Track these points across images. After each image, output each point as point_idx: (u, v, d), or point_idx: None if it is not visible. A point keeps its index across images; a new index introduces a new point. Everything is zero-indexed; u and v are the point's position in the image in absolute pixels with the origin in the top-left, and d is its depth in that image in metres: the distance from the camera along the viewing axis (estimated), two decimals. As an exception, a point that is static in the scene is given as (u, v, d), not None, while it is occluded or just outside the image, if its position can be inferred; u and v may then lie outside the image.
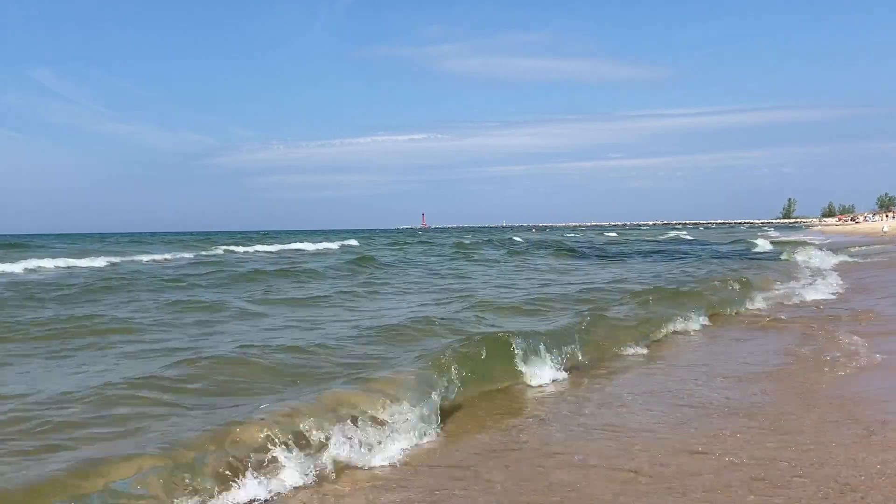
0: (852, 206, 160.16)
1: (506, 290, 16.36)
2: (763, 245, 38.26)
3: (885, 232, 53.58)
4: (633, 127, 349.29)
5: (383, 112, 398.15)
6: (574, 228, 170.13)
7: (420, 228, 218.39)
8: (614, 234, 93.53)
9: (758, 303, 12.95)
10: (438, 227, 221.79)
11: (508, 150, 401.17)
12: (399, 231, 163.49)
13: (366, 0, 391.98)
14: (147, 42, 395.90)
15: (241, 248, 42.58)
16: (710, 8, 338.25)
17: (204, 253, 37.48)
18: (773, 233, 79.56)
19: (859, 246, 33.98)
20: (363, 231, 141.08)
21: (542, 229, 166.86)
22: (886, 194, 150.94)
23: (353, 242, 54.00)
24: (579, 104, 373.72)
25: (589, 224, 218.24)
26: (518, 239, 65.39)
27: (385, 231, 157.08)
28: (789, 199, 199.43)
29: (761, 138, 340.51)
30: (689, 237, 70.89)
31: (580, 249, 41.83)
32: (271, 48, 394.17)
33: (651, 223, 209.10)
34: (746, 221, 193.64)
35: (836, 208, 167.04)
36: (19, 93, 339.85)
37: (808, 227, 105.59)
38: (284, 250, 43.96)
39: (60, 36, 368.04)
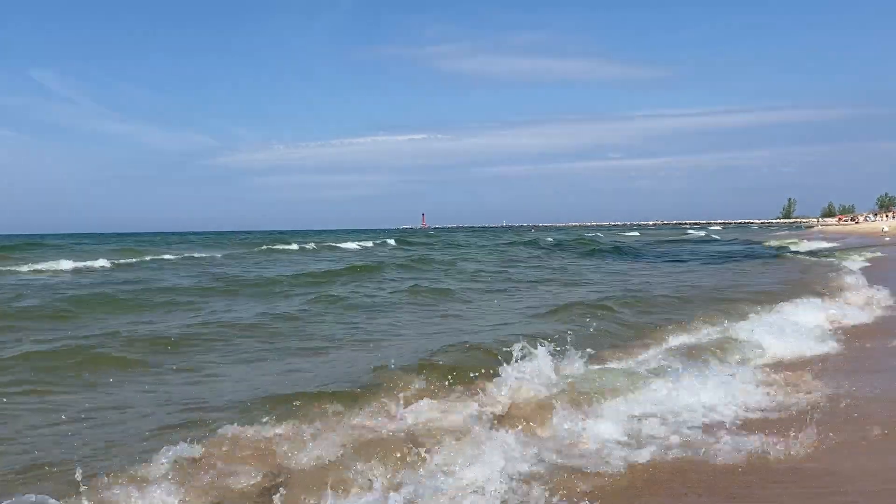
0: (852, 206, 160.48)
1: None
2: (805, 246, 39.56)
3: (884, 232, 54.05)
4: (633, 127, 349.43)
5: (383, 112, 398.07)
6: (576, 228, 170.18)
7: (421, 228, 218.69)
8: (637, 234, 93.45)
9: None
10: (438, 228, 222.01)
11: (508, 150, 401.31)
12: (401, 231, 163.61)
13: (366, 0, 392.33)
14: (147, 42, 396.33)
15: (293, 246, 45.44)
16: (711, 8, 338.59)
17: (260, 250, 41.53)
18: (783, 233, 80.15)
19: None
20: (364, 231, 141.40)
21: (543, 230, 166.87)
22: (886, 194, 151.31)
23: (391, 242, 55.14)
24: (579, 104, 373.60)
25: (590, 224, 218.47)
26: (550, 239, 63.03)
27: (386, 231, 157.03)
28: (789, 199, 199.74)
29: (761, 138, 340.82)
30: (718, 237, 71.15)
31: (661, 252, 40.53)
32: (272, 48, 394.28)
33: (651, 223, 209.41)
34: (749, 221, 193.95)
35: (836, 208, 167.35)
36: (19, 93, 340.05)
37: (808, 227, 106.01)
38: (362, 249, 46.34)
39: (60, 36, 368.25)
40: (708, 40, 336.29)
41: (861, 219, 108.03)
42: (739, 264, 26.07)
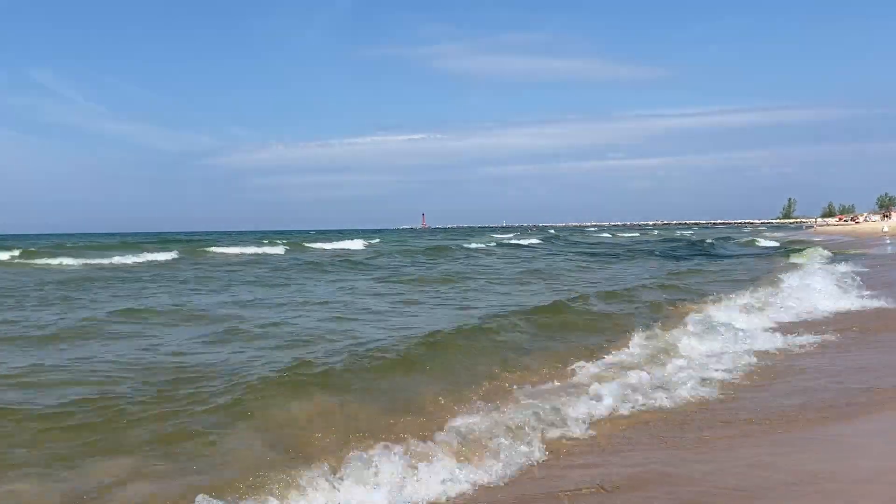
0: (852, 206, 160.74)
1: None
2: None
3: (884, 232, 54.35)
4: (633, 127, 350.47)
5: (383, 112, 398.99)
6: (577, 228, 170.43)
7: (421, 228, 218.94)
8: (690, 233, 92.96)
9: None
10: (439, 228, 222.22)
11: (508, 150, 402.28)
12: (401, 231, 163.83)
13: (365, 0, 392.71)
14: (147, 42, 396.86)
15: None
16: (710, 8, 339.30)
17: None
18: (792, 234, 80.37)
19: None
20: (365, 231, 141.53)
21: (542, 230, 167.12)
22: (886, 194, 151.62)
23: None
24: (579, 104, 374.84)
25: (590, 224, 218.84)
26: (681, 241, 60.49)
27: (387, 231, 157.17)
28: (789, 199, 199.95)
29: (761, 138, 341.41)
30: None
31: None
32: (271, 48, 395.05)
33: (652, 223, 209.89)
34: (750, 221, 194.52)
35: (836, 208, 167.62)
36: (19, 93, 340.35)
37: (808, 227, 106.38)
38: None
39: (60, 36, 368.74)
40: (708, 40, 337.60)
41: (861, 219, 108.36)
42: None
